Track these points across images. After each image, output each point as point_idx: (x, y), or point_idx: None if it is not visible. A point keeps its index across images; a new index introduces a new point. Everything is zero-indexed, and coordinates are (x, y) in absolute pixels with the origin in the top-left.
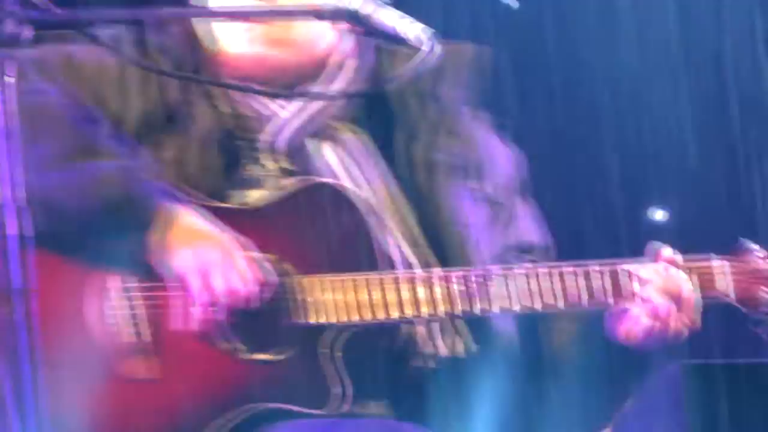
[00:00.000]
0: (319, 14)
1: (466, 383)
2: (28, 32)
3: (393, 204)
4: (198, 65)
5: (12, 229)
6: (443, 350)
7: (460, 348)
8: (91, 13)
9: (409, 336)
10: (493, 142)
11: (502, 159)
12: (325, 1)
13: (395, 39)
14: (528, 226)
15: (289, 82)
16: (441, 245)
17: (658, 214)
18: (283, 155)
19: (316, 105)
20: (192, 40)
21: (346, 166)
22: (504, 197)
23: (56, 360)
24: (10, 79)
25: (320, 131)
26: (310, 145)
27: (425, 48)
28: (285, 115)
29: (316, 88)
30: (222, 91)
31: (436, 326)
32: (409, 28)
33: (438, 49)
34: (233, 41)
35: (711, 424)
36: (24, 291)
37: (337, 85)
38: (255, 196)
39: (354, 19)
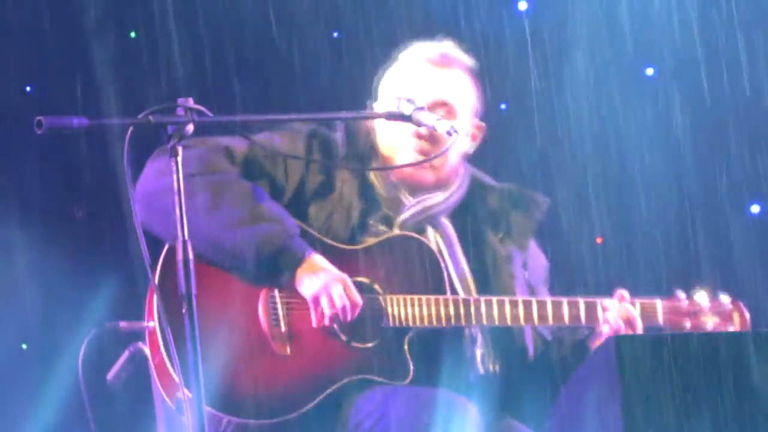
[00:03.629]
0: (388, 116)
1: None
2: (190, 127)
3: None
4: (372, 160)
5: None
6: (481, 369)
7: (494, 368)
8: (240, 117)
9: (466, 347)
10: (536, 250)
11: (540, 261)
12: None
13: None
14: None
15: (425, 190)
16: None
17: None
18: (399, 226)
19: (433, 203)
20: (372, 142)
21: (439, 241)
22: (535, 283)
23: (222, 337)
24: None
25: (429, 219)
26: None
27: (453, 137)
28: (412, 203)
29: (439, 195)
30: (379, 180)
31: (485, 351)
32: (441, 124)
33: (456, 136)
34: (404, 155)
35: (641, 391)
36: (190, 295)
37: (456, 195)
38: (369, 241)
39: (408, 119)
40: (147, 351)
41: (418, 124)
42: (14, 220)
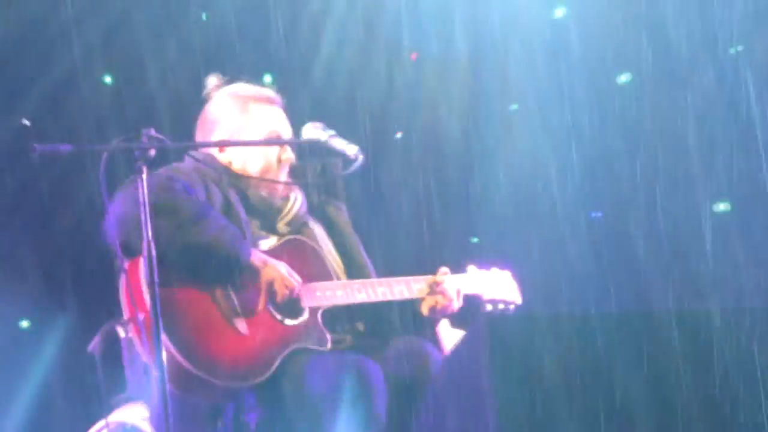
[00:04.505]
0: (307, 142)
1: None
2: (152, 152)
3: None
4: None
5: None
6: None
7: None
8: (186, 144)
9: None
10: None
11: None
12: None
13: (344, 156)
14: None
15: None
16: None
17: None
18: (282, 228)
19: (298, 207)
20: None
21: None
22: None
23: (192, 321)
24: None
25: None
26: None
27: (359, 160)
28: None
29: (296, 203)
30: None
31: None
32: (349, 147)
33: (361, 158)
34: (274, 175)
35: (508, 366)
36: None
37: (301, 200)
38: (268, 244)
39: (321, 144)
40: (119, 330)
41: (332, 147)
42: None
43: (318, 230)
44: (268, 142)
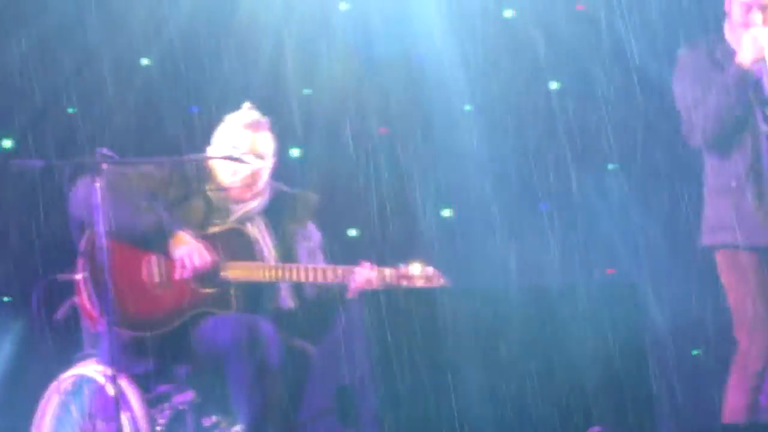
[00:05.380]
0: (227, 157)
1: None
2: (105, 166)
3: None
4: (209, 183)
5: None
6: (289, 303)
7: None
8: (136, 159)
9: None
10: (312, 228)
11: (315, 235)
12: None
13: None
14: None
15: (245, 200)
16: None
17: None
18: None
19: (250, 209)
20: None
21: (255, 231)
22: (313, 249)
23: (126, 283)
24: (99, 185)
25: (248, 218)
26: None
27: (255, 163)
28: (237, 209)
29: (254, 203)
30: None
31: (287, 291)
32: (255, 161)
33: (251, 164)
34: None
35: (385, 340)
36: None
37: (263, 202)
38: (213, 230)
39: (238, 160)
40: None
41: (241, 161)
42: None
43: (261, 227)
44: (182, 159)
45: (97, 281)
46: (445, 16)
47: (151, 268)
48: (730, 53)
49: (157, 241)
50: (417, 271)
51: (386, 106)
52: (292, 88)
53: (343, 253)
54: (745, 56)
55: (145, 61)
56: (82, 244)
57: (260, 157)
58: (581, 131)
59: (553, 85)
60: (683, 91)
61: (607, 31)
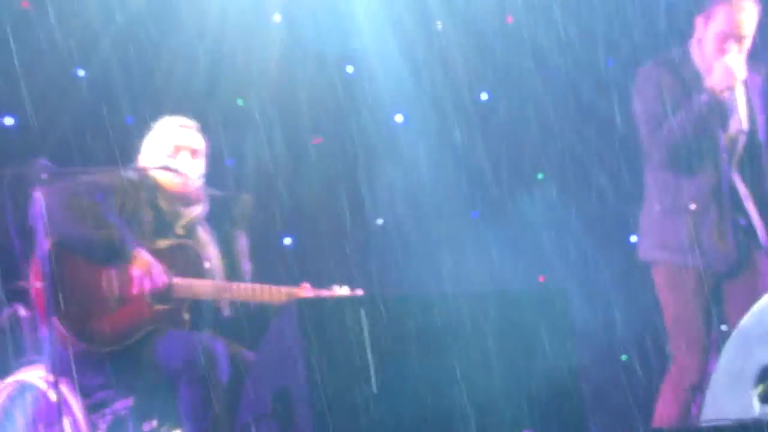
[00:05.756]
0: (163, 167)
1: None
2: (44, 176)
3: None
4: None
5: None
6: (227, 312)
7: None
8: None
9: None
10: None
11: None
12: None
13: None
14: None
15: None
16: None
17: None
18: (180, 228)
19: (197, 214)
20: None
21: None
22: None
23: (78, 300)
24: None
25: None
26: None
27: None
28: (187, 212)
29: (198, 207)
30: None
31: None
32: (183, 167)
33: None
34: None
35: (320, 345)
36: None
37: (203, 206)
38: (163, 244)
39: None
40: (20, 308)
41: (172, 169)
42: None
43: (206, 237)
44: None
45: (45, 291)
46: (377, 27)
47: (110, 283)
48: (698, 76)
49: (117, 258)
50: (346, 293)
51: (318, 116)
52: (225, 99)
53: (276, 260)
54: (717, 82)
55: (80, 72)
56: (38, 253)
57: (192, 152)
58: (511, 141)
59: (483, 96)
60: (645, 106)
61: (537, 42)
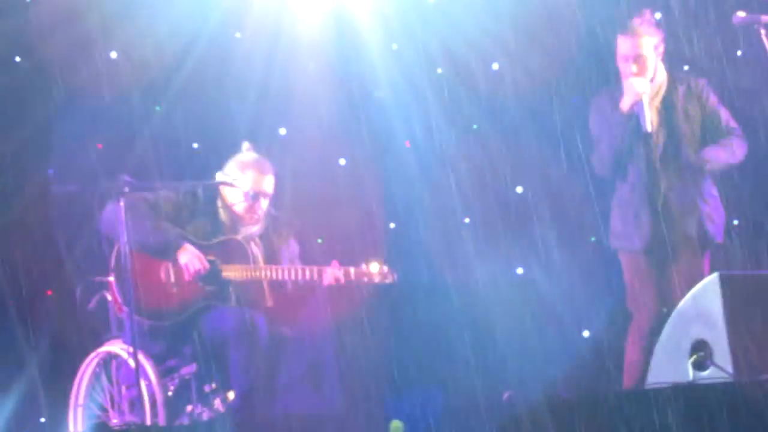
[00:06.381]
0: (226, 184)
1: None
2: (127, 189)
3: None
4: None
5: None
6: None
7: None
8: (152, 184)
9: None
10: (293, 242)
11: (294, 248)
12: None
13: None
14: None
15: (250, 223)
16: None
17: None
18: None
19: (251, 232)
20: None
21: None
22: (292, 259)
23: (142, 286)
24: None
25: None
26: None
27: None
28: (245, 229)
29: (254, 228)
30: (226, 214)
31: (269, 291)
32: (246, 189)
33: (251, 201)
34: (239, 207)
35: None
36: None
37: (261, 227)
38: (215, 240)
39: (231, 185)
40: (107, 294)
41: (233, 186)
42: None
43: (257, 243)
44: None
45: (123, 282)
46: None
47: (167, 272)
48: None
49: (169, 252)
50: (375, 269)
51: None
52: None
53: (315, 256)
54: (625, 101)
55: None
56: (113, 254)
57: (265, 195)
58: (494, 162)
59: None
60: (593, 130)
61: (520, 86)
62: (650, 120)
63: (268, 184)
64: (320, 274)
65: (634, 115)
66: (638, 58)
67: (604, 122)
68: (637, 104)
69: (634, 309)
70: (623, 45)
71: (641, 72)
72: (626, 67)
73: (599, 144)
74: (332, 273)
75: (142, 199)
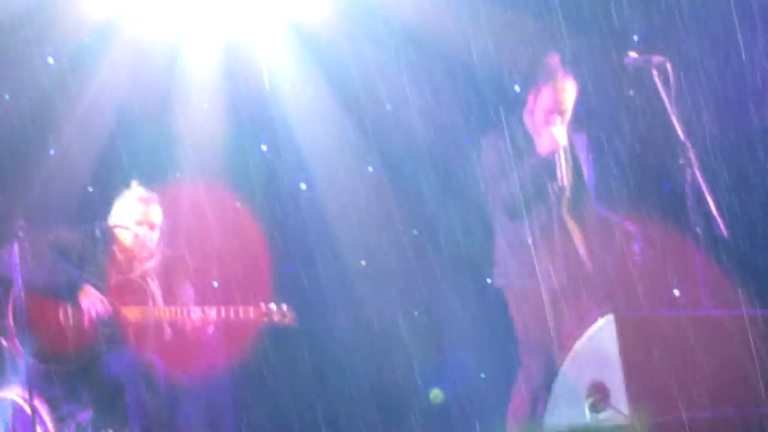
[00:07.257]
0: (122, 227)
1: None
2: (21, 234)
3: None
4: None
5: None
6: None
7: None
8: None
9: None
10: None
11: (189, 290)
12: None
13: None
14: None
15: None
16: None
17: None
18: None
19: (148, 267)
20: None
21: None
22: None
23: (41, 329)
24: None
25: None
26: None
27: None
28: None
29: (151, 262)
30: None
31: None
32: (141, 229)
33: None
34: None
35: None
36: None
37: (154, 263)
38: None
39: (127, 228)
40: (3, 340)
41: (128, 229)
42: None
43: (154, 282)
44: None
45: (19, 326)
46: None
47: (66, 314)
48: (531, 141)
49: (70, 294)
50: (274, 308)
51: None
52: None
53: (210, 299)
54: (544, 147)
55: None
56: (10, 297)
57: (151, 225)
58: (389, 204)
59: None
60: (488, 169)
61: (412, 125)
62: (568, 168)
63: (155, 214)
64: (219, 314)
65: (548, 161)
66: (563, 113)
67: (506, 163)
68: (554, 151)
69: (524, 353)
70: (548, 97)
71: (563, 123)
72: (550, 118)
73: (498, 185)
74: (232, 312)
75: (44, 240)
